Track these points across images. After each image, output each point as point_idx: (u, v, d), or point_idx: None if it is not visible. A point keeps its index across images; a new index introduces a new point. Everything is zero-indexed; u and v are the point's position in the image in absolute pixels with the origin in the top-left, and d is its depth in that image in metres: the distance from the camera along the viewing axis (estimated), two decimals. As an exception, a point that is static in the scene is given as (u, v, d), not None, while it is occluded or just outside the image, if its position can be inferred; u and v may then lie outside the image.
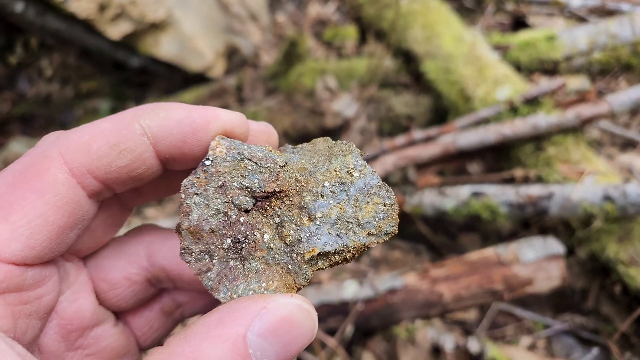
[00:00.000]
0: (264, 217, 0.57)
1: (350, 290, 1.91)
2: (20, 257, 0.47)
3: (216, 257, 0.55)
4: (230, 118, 0.55)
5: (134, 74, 4.24)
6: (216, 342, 0.44)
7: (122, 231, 0.69)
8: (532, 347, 2.08)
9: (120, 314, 0.67)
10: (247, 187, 0.56)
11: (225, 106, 3.55)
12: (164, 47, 3.58)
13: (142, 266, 0.64)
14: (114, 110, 4.10)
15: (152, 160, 0.53)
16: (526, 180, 2.29)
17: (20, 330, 0.48)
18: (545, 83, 2.31)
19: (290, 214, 0.57)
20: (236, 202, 0.56)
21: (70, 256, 0.60)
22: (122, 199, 0.62)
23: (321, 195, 0.57)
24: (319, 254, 0.56)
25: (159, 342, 0.71)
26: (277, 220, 0.57)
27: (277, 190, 0.57)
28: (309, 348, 2.00)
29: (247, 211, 0.57)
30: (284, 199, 0.57)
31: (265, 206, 0.57)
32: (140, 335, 0.68)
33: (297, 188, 0.57)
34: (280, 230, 0.57)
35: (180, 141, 0.52)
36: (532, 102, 2.27)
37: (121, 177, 0.52)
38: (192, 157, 0.54)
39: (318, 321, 0.52)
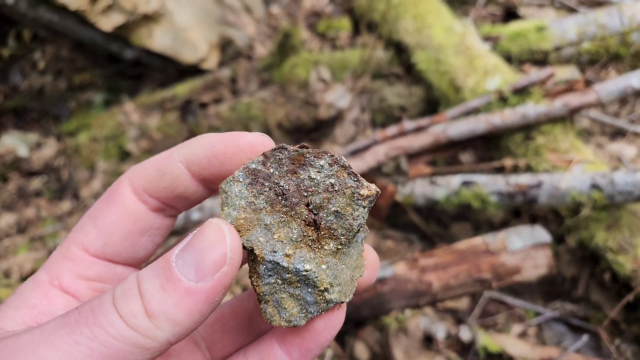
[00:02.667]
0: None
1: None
2: (101, 253, 0.64)
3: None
4: (245, 140, 0.64)
5: (127, 66, 4.23)
6: (157, 260, 0.56)
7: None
8: (523, 335, 2.10)
9: None
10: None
11: (219, 97, 3.55)
12: (158, 39, 3.57)
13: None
14: (107, 102, 4.10)
15: (188, 181, 0.65)
16: (516, 170, 2.30)
17: None
18: (534, 73, 2.32)
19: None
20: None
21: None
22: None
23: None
24: None
25: None
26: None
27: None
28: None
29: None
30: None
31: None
32: None
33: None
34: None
35: (206, 163, 0.63)
36: (522, 92, 2.29)
37: (168, 196, 0.66)
38: (220, 175, 0.65)
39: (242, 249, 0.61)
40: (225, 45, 4.06)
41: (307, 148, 0.64)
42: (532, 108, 2.18)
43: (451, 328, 2.02)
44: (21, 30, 4.15)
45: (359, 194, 0.62)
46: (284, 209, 0.63)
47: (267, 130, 3.30)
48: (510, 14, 3.29)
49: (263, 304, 0.65)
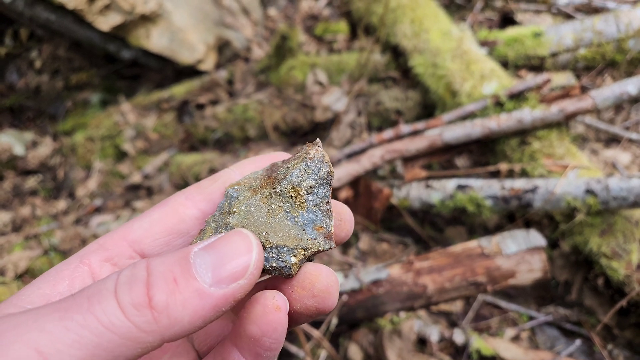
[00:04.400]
0: None
1: (336, 281, 1.93)
2: (138, 241, 0.66)
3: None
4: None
5: (125, 67, 4.23)
6: (175, 251, 0.55)
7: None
8: (516, 339, 2.11)
9: None
10: None
11: (216, 99, 3.55)
12: (155, 40, 3.57)
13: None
14: (104, 102, 4.09)
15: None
16: (511, 174, 2.31)
17: None
18: (531, 78, 2.33)
19: None
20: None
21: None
22: None
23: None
24: None
25: None
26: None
27: None
28: (294, 340, 2.02)
29: None
30: None
31: None
32: None
33: None
34: None
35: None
36: (518, 97, 2.30)
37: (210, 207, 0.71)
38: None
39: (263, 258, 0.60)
40: (222, 47, 4.07)
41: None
42: (528, 113, 2.19)
43: (445, 331, 2.03)
44: (18, 28, 4.15)
45: (306, 152, 0.69)
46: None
47: (263, 132, 3.30)
48: (507, 20, 3.31)
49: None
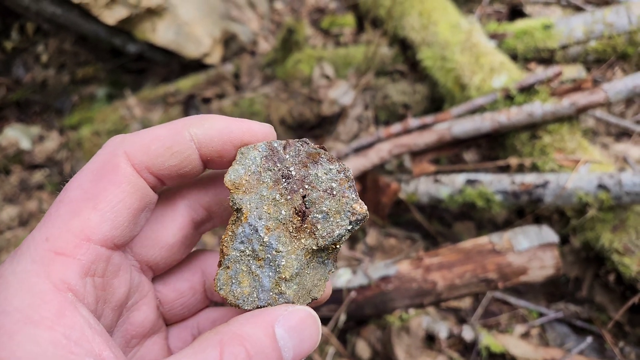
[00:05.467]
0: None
1: (343, 278, 1.91)
2: (108, 237, 0.58)
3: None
4: (260, 129, 0.67)
5: (130, 61, 4.21)
6: (255, 326, 0.57)
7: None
8: (526, 336, 2.09)
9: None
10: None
11: (222, 93, 3.53)
12: (161, 33, 3.55)
13: (200, 278, 0.78)
14: (110, 97, 4.09)
15: (196, 161, 0.65)
16: (521, 169, 2.28)
17: (98, 314, 0.60)
18: (541, 71, 2.29)
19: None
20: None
21: (147, 270, 0.72)
22: (198, 225, 0.75)
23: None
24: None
25: None
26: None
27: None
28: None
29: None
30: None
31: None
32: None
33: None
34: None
35: (220, 146, 0.64)
36: (528, 91, 2.27)
37: (171, 174, 0.64)
38: (228, 159, 0.66)
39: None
40: (228, 41, 4.05)
41: (325, 150, 0.68)
42: (539, 106, 2.16)
43: (453, 327, 2.01)
44: (24, 23, 4.14)
45: (351, 207, 0.66)
46: (283, 191, 0.67)
47: (270, 126, 3.28)
48: (516, 12, 3.26)
49: (222, 269, 0.66)
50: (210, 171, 0.73)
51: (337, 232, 0.66)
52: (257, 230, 0.65)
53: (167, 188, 0.73)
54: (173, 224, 0.71)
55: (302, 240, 0.66)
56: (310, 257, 0.67)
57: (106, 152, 0.62)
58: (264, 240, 0.65)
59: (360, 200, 0.67)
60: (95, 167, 0.60)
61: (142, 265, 0.70)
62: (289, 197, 0.66)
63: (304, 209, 0.66)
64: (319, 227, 0.66)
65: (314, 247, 0.66)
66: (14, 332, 0.47)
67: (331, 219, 0.66)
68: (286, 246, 0.65)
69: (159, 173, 0.63)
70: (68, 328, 0.49)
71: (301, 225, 0.66)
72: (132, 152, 0.61)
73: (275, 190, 0.66)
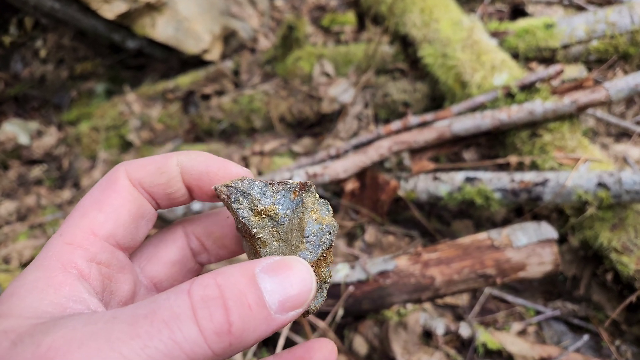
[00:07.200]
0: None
1: (341, 273, 1.91)
2: (112, 234, 0.66)
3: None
4: (237, 171, 0.73)
5: (130, 57, 4.21)
6: (233, 267, 0.55)
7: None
8: (522, 333, 2.09)
9: None
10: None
11: (222, 89, 3.53)
12: (160, 29, 3.55)
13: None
14: (109, 92, 4.08)
15: (180, 185, 0.72)
16: (521, 167, 2.28)
17: (105, 302, 0.65)
18: (542, 70, 2.29)
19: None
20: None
21: (153, 290, 0.77)
22: (195, 253, 0.81)
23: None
24: None
25: None
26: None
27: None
28: (300, 330, 2.00)
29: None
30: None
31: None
32: None
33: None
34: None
35: (198, 175, 0.72)
36: (529, 89, 2.26)
37: (160, 192, 0.72)
38: (204, 191, 0.73)
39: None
40: (228, 37, 4.04)
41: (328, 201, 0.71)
42: (540, 104, 2.16)
43: (451, 324, 2.01)
44: (23, 17, 4.13)
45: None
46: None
47: (269, 124, 3.28)
48: (518, 12, 3.27)
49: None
50: (211, 211, 0.81)
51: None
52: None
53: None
54: (173, 244, 0.78)
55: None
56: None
57: (112, 171, 0.71)
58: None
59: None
60: (103, 181, 0.70)
61: (149, 284, 0.76)
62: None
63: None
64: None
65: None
66: (24, 297, 0.55)
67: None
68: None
69: (150, 190, 0.71)
70: (69, 291, 0.57)
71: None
72: (131, 169, 0.70)
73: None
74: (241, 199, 0.69)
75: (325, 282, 0.69)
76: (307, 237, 0.66)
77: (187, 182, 0.73)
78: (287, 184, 0.70)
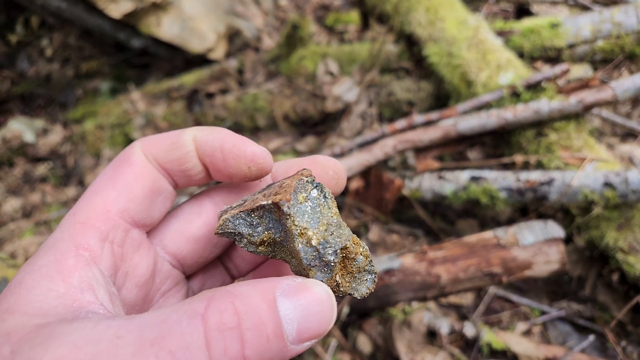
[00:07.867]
0: None
1: (347, 271, 1.91)
2: (125, 209, 0.64)
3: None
4: (253, 150, 0.69)
5: (135, 55, 4.22)
6: (252, 288, 0.51)
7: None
8: (527, 333, 2.08)
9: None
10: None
11: (226, 88, 3.53)
12: (165, 28, 3.56)
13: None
14: (114, 91, 4.09)
15: (195, 160, 0.69)
16: (526, 166, 2.28)
17: (119, 284, 0.64)
18: (548, 69, 2.29)
19: None
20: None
21: (179, 266, 0.76)
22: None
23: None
24: None
25: None
26: None
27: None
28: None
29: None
30: None
31: None
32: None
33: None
34: None
35: (211, 151, 0.68)
36: (535, 88, 2.26)
37: (175, 169, 0.69)
38: (219, 168, 0.69)
39: None
40: (233, 36, 4.05)
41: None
42: (546, 104, 2.15)
43: (455, 324, 2.01)
44: (29, 16, 4.15)
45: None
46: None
47: (273, 122, 3.28)
48: (523, 11, 3.26)
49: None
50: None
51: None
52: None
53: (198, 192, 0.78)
54: (198, 219, 0.74)
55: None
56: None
57: (128, 147, 0.69)
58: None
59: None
60: (117, 159, 0.68)
61: (173, 260, 0.74)
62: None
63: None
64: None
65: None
66: (32, 287, 0.53)
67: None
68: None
69: (165, 166, 0.69)
70: (78, 280, 0.55)
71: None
72: (146, 145, 0.68)
73: None
74: (238, 238, 0.66)
75: (362, 270, 0.63)
76: (309, 264, 0.60)
77: (202, 159, 0.69)
78: (264, 206, 0.63)
